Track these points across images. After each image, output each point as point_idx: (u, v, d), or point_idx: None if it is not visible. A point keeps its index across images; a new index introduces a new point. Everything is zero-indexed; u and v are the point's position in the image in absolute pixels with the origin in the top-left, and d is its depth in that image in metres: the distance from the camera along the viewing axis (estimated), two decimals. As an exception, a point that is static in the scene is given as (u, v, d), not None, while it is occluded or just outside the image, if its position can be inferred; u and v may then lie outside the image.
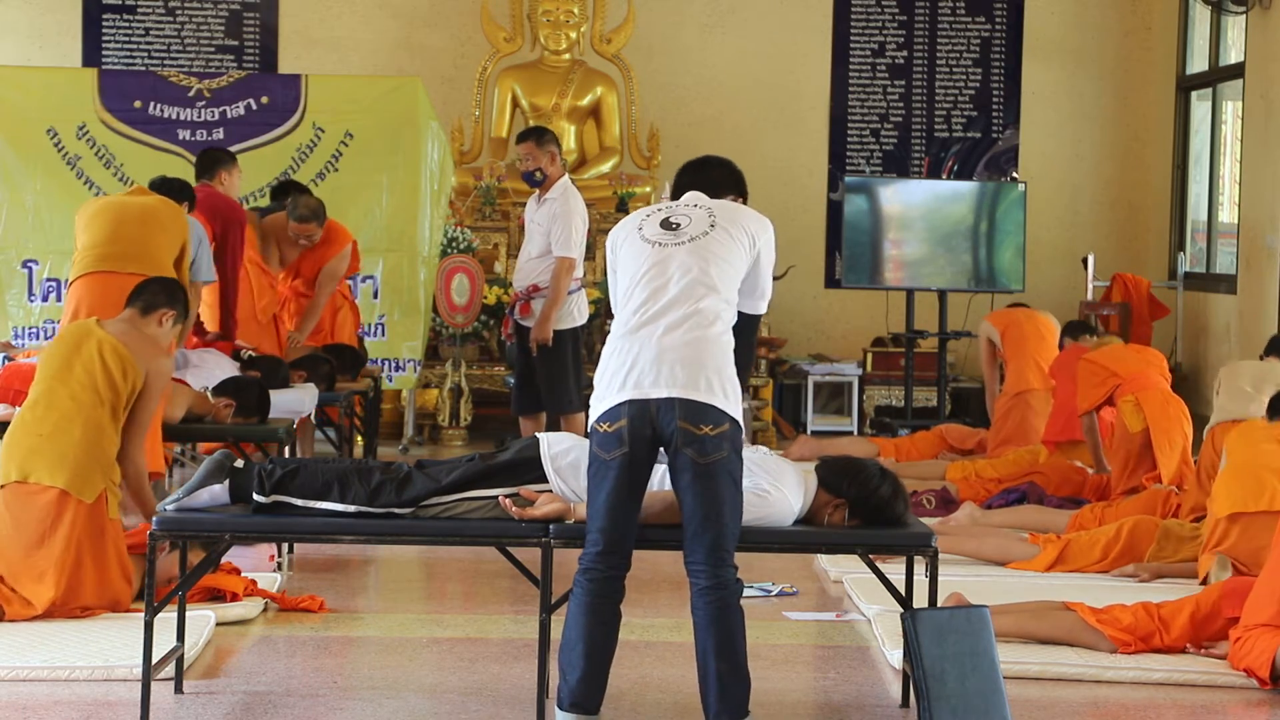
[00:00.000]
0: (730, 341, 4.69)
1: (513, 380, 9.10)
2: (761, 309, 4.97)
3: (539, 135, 8.91)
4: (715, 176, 5.09)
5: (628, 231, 4.84)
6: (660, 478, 4.81)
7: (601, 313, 11.91)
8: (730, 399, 4.61)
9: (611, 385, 4.65)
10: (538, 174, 8.81)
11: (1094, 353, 9.36)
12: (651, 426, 4.57)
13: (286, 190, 10.16)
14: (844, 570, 7.14)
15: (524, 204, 9.63)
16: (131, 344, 6.41)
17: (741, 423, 4.66)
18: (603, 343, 4.78)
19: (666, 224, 4.79)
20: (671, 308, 4.65)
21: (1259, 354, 9.13)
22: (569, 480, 4.98)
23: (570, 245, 8.71)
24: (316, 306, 9.59)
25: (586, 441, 5.06)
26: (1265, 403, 7.34)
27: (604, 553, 4.64)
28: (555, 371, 8.81)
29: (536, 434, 5.16)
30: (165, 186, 8.46)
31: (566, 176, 8.96)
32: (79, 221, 7.74)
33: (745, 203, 5.08)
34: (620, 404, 4.60)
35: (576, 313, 8.88)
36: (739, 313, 4.80)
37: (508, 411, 9.12)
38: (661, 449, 4.64)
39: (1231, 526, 6.86)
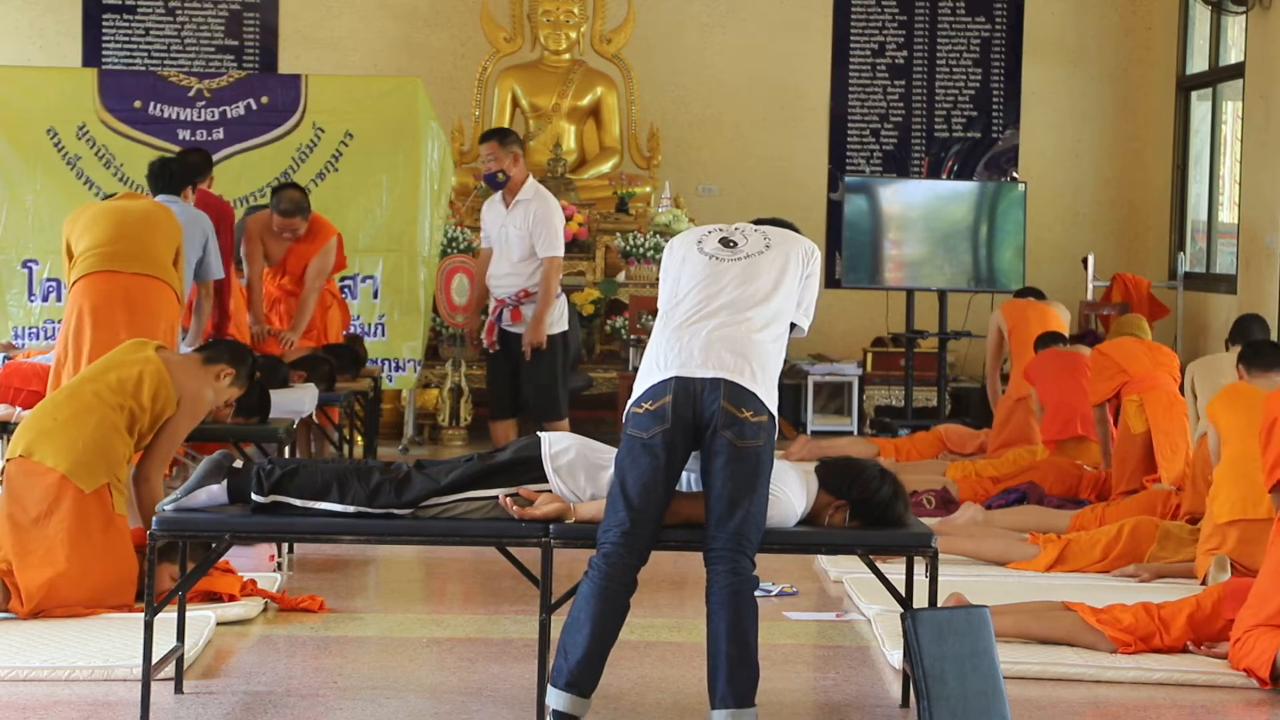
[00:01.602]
0: (773, 350, 4.77)
1: (489, 386, 8.95)
2: (802, 328, 5.01)
3: (502, 136, 8.73)
4: (775, 225, 5.21)
5: (688, 245, 4.97)
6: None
7: (602, 312, 11.91)
8: (770, 396, 4.70)
9: (657, 366, 4.73)
10: (500, 175, 8.64)
11: (1107, 345, 9.39)
12: (693, 407, 4.63)
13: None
14: (844, 570, 7.14)
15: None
16: (177, 373, 6.46)
17: (776, 424, 4.72)
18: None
19: (725, 242, 4.94)
20: (721, 312, 4.77)
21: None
22: (568, 480, 4.98)
23: (558, 244, 8.64)
24: (307, 303, 9.55)
25: (586, 441, 5.08)
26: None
27: (629, 533, 4.65)
28: (548, 377, 8.69)
29: (538, 433, 5.16)
30: (164, 173, 8.40)
31: (531, 176, 8.84)
32: (73, 227, 7.62)
33: None
34: (666, 380, 4.67)
35: (565, 317, 8.81)
36: None
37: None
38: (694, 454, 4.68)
39: (1230, 530, 6.87)
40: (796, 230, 5.24)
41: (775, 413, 4.71)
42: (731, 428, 4.61)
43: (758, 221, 5.22)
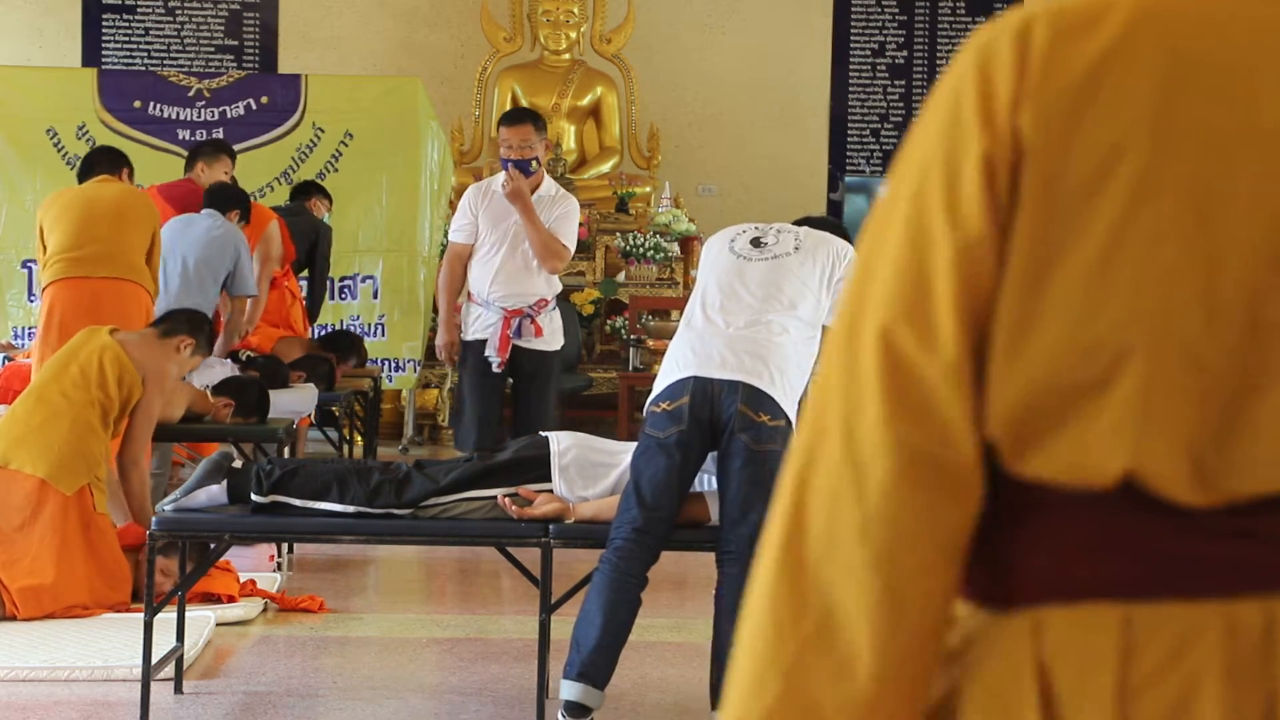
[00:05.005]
0: (795, 353, 4.71)
1: (472, 411, 7.49)
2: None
3: (536, 119, 7.54)
4: (818, 224, 5.17)
5: (722, 242, 4.96)
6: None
7: (602, 312, 11.91)
8: (789, 401, 4.66)
9: (676, 365, 4.71)
10: (534, 164, 7.33)
11: None
12: (710, 409, 4.61)
13: (307, 190, 10.13)
14: (844, 570, 7.13)
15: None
16: (136, 354, 6.45)
17: (795, 428, 4.66)
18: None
19: (756, 242, 4.91)
20: (743, 313, 4.73)
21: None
22: (573, 480, 4.98)
23: (574, 242, 7.65)
24: (260, 293, 9.39)
25: (590, 441, 5.09)
26: None
27: (640, 530, 4.64)
28: (548, 400, 7.60)
29: (541, 433, 5.17)
30: (222, 194, 8.41)
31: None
32: (46, 215, 7.60)
33: None
34: (684, 379, 4.65)
35: (561, 330, 7.72)
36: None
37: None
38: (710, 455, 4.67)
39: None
40: (840, 231, 5.16)
41: (794, 417, 4.66)
42: (748, 431, 4.58)
43: (802, 221, 5.18)
